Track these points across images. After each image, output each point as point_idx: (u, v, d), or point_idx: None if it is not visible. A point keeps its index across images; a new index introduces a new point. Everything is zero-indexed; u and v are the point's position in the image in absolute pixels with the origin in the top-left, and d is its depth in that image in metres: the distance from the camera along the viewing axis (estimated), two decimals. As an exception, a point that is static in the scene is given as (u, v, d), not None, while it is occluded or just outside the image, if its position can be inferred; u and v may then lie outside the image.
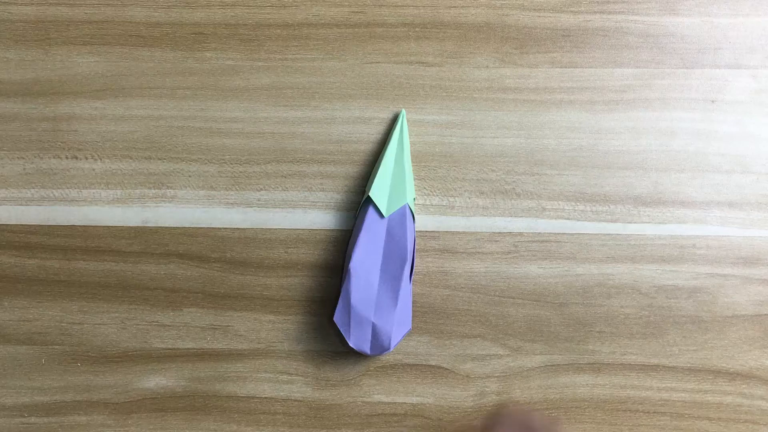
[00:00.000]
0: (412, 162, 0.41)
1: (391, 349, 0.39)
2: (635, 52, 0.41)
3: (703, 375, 0.40)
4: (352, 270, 0.38)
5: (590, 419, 0.40)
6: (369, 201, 0.39)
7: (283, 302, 0.41)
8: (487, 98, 0.41)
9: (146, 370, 0.41)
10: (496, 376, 0.40)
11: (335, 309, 0.39)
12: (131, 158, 0.41)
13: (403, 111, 0.40)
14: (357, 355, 0.40)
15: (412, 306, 0.40)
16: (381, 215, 0.38)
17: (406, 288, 0.38)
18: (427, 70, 0.41)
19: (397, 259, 0.38)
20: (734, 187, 0.41)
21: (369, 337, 0.38)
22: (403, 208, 0.38)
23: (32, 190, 0.41)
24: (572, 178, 0.41)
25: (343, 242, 0.41)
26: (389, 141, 0.40)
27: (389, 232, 0.38)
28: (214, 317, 0.41)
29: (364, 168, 0.41)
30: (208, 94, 0.41)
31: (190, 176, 0.41)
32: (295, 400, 0.40)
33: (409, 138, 0.41)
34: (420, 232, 0.41)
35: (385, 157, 0.39)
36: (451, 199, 0.41)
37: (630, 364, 0.40)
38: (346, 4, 0.41)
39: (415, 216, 0.40)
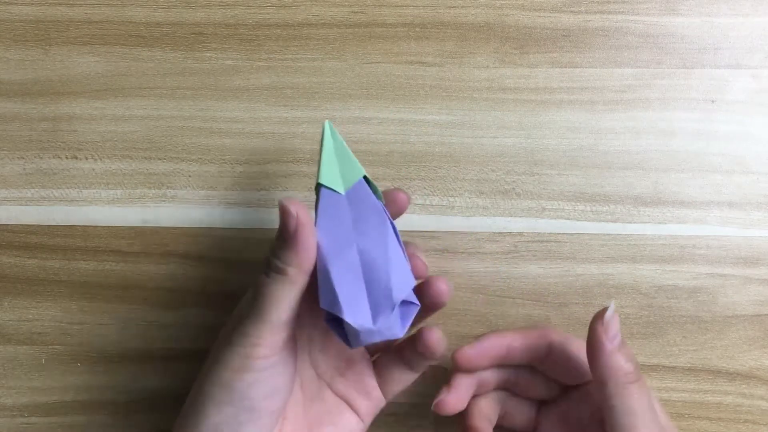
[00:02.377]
0: (413, 162, 0.41)
1: (396, 305, 0.31)
2: (635, 52, 0.41)
3: (703, 375, 0.40)
4: (326, 254, 0.31)
5: (590, 419, 0.40)
6: (321, 187, 0.33)
7: (283, 302, 0.41)
8: (487, 98, 0.41)
9: (146, 370, 0.41)
10: (496, 376, 0.40)
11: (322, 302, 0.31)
12: (131, 158, 0.41)
13: (326, 124, 0.34)
14: (357, 355, 0.40)
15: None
16: (338, 193, 0.33)
17: (395, 247, 0.32)
18: (427, 70, 0.41)
19: (371, 220, 0.32)
20: (734, 187, 0.41)
21: (367, 309, 0.31)
22: (359, 182, 0.33)
23: (32, 190, 0.41)
24: (572, 178, 0.41)
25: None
26: (323, 144, 0.34)
27: (353, 204, 0.33)
28: (214, 317, 0.41)
29: (364, 168, 0.41)
30: (208, 94, 0.41)
31: (190, 176, 0.41)
32: (295, 400, 0.40)
33: (409, 138, 0.41)
34: (420, 232, 0.41)
35: (324, 150, 0.34)
36: (451, 199, 0.41)
37: (630, 364, 0.40)
38: (346, 4, 0.41)
39: (380, 192, 0.34)
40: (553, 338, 0.35)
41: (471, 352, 0.35)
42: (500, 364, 0.36)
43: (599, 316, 0.32)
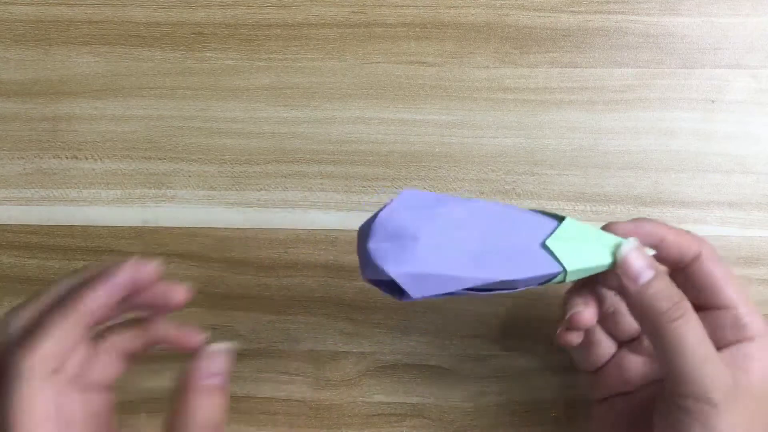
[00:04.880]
0: (413, 162, 0.41)
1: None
2: (635, 52, 0.41)
3: (703, 375, 0.40)
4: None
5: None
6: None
7: (283, 302, 0.41)
8: (487, 98, 0.41)
9: (146, 370, 0.41)
10: (496, 376, 0.40)
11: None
12: (131, 158, 0.41)
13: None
14: (357, 355, 0.40)
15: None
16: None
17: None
18: (427, 70, 0.41)
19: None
20: (734, 187, 0.41)
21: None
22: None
23: (32, 190, 0.41)
24: (572, 178, 0.41)
25: (343, 242, 0.41)
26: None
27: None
28: (214, 317, 0.41)
29: (364, 168, 0.41)
30: (208, 94, 0.41)
31: (190, 176, 0.41)
32: (295, 400, 0.40)
33: (409, 138, 0.41)
34: (420, 232, 0.41)
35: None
36: (451, 199, 0.41)
37: (630, 364, 0.40)
38: (346, 4, 0.41)
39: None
40: (705, 248, 0.32)
41: (626, 227, 0.32)
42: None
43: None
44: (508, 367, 0.40)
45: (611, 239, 0.30)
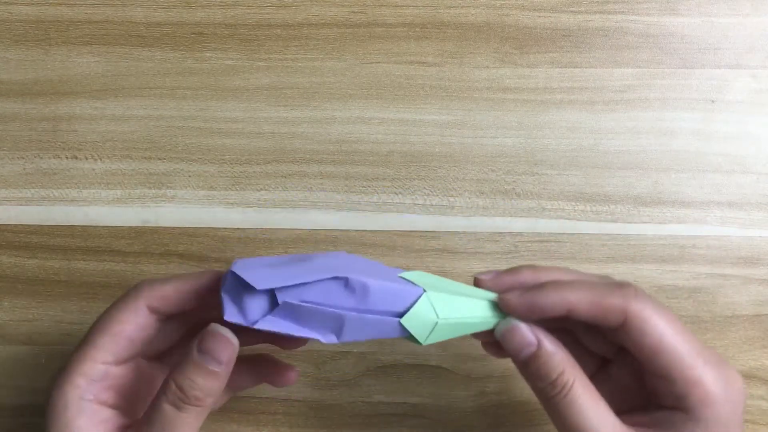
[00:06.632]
0: (413, 162, 0.41)
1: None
2: (635, 52, 0.41)
3: (703, 375, 0.40)
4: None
5: (590, 419, 0.40)
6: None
7: (283, 302, 0.41)
8: (487, 98, 0.41)
9: (146, 370, 0.41)
10: (496, 376, 0.40)
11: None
12: (131, 158, 0.41)
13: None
14: (357, 355, 0.40)
15: None
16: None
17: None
18: (427, 70, 0.41)
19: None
20: (734, 187, 0.41)
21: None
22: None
23: (32, 190, 0.41)
24: (572, 178, 0.41)
25: (343, 242, 0.41)
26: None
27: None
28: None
29: (364, 168, 0.41)
30: (208, 94, 0.41)
31: (190, 176, 0.41)
32: (295, 400, 0.40)
33: (409, 138, 0.41)
34: (420, 232, 0.41)
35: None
36: (451, 199, 0.41)
37: (630, 364, 0.40)
38: (346, 4, 0.41)
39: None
40: (632, 308, 0.27)
41: (516, 303, 0.28)
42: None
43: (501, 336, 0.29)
44: (508, 367, 0.40)
45: (488, 295, 0.30)
